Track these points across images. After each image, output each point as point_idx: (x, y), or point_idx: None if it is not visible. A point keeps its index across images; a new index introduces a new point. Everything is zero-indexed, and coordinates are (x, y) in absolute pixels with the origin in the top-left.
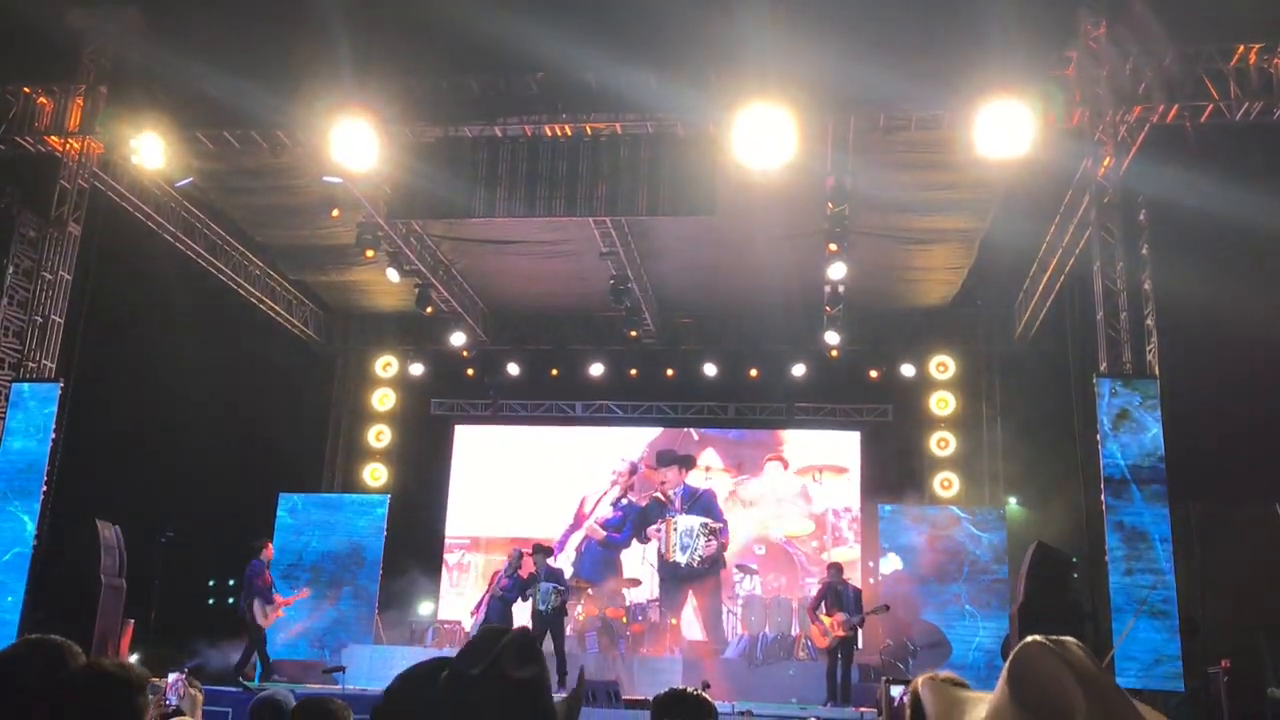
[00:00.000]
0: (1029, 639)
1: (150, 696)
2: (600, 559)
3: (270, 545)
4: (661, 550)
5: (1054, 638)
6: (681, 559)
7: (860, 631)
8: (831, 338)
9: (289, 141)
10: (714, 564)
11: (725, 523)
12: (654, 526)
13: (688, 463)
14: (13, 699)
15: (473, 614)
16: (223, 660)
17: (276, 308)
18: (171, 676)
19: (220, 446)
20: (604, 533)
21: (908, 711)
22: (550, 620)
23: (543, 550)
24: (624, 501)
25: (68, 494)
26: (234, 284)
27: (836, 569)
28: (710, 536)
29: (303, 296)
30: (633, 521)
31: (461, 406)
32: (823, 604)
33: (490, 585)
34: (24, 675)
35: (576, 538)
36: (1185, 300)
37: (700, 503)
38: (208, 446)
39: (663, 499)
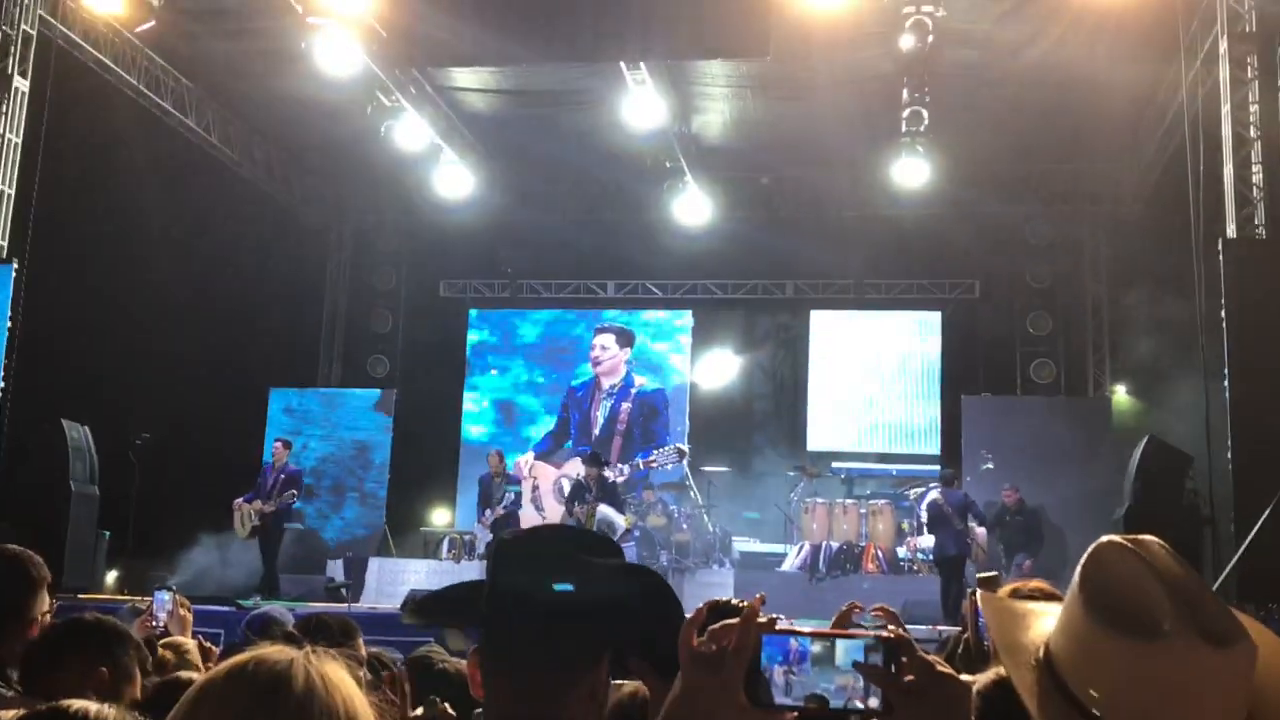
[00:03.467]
0: (1103, 539)
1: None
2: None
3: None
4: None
5: (1132, 536)
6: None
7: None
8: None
9: None
10: None
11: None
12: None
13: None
14: None
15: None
16: (209, 576)
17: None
18: (158, 595)
19: (201, 336)
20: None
21: (965, 626)
22: None
23: (596, 459)
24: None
25: (26, 391)
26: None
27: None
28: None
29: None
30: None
31: (475, 288)
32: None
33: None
34: None
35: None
36: None
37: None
38: (186, 336)
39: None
